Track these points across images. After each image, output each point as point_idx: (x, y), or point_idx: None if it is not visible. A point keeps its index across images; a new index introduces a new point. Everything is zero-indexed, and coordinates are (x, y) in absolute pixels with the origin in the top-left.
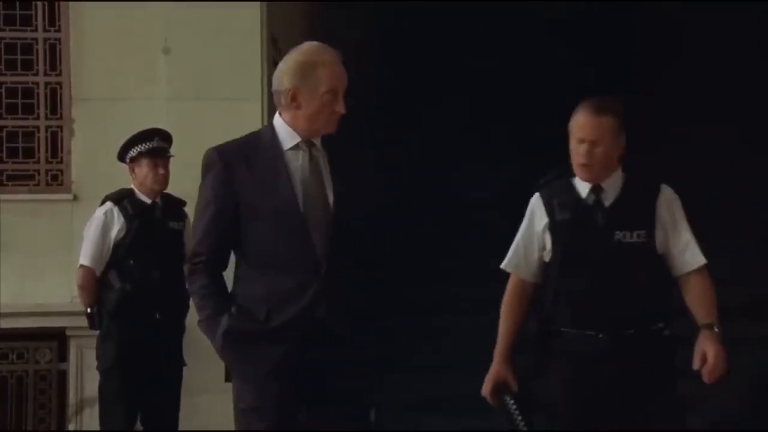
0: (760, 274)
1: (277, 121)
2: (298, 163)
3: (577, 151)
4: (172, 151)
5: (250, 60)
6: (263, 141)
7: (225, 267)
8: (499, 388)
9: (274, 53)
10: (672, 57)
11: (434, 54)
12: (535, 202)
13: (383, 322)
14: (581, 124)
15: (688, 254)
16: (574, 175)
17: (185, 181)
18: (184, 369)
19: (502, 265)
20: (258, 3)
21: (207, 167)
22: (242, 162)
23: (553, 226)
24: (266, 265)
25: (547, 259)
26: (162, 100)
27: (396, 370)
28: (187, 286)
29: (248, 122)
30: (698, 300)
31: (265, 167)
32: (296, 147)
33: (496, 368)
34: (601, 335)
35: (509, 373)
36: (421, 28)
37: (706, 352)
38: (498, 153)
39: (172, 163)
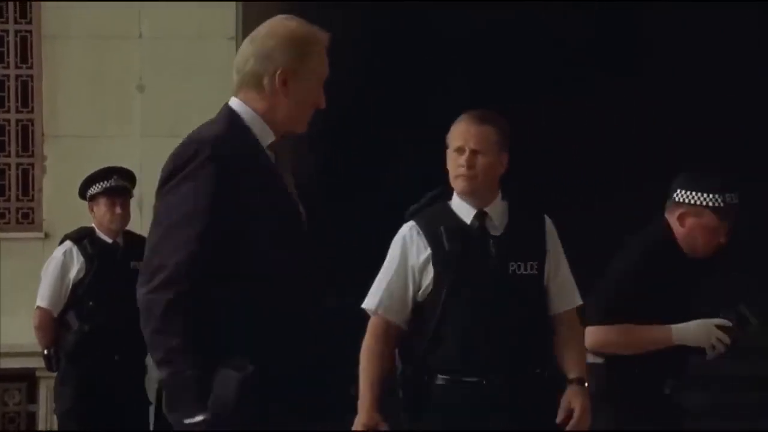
0: None
1: (246, 112)
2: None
3: (457, 162)
4: (146, 188)
5: (224, 97)
6: (250, 136)
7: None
8: None
9: None
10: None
11: (422, 56)
12: (409, 232)
13: None
14: (461, 131)
15: (565, 292)
16: (449, 200)
17: None
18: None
19: (367, 306)
20: (232, 40)
21: (200, 164)
22: (240, 161)
23: (438, 258)
24: (263, 300)
25: (422, 298)
26: (136, 138)
27: None
28: (152, 325)
29: None
30: (568, 345)
31: (261, 171)
32: (268, 148)
33: (365, 417)
34: (485, 382)
35: (380, 421)
36: (412, 27)
37: (573, 407)
38: None
39: (146, 201)
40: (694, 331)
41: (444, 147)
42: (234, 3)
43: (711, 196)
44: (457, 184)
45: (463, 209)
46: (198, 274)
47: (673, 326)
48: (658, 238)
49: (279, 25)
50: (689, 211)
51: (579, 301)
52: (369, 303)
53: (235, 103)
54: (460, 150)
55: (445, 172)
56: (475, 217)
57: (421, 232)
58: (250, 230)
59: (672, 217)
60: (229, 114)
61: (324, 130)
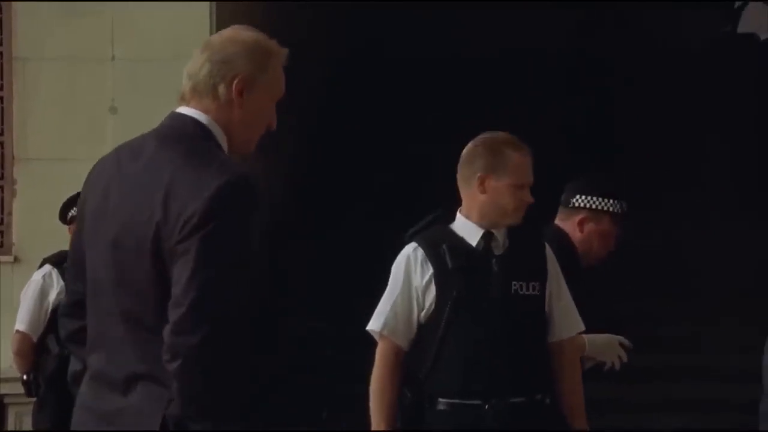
0: None
1: (213, 126)
2: None
3: (521, 197)
4: None
5: None
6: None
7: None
8: None
9: None
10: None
11: (402, 57)
12: (412, 252)
13: None
14: (522, 166)
15: (567, 318)
16: (449, 222)
17: None
18: None
19: (372, 327)
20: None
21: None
22: None
23: (441, 276)
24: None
25: (424, 319)
26: None
27: None
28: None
29: None
30: (571, 381)
31: None
32: None
33: None
34: (487, 406)
35: None
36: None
37: None
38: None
39: None
40: (601, 344)
41: (429, 159)
42: (208, 24)
43: (611, 201)
44: (516, 217)
45: (469, 231)
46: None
47: (586, 336)
48: (560, 244)
49: (239, 33)
50: (588, 216)
51: (582, 327)
52: (374, 325)
53: (198, 115)
54: (520, 186)
55: (421, 184)
56: (482, 237)
57: (424, 252)
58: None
59: (568, 223)
60: (200, 127)
61: (303, 140)
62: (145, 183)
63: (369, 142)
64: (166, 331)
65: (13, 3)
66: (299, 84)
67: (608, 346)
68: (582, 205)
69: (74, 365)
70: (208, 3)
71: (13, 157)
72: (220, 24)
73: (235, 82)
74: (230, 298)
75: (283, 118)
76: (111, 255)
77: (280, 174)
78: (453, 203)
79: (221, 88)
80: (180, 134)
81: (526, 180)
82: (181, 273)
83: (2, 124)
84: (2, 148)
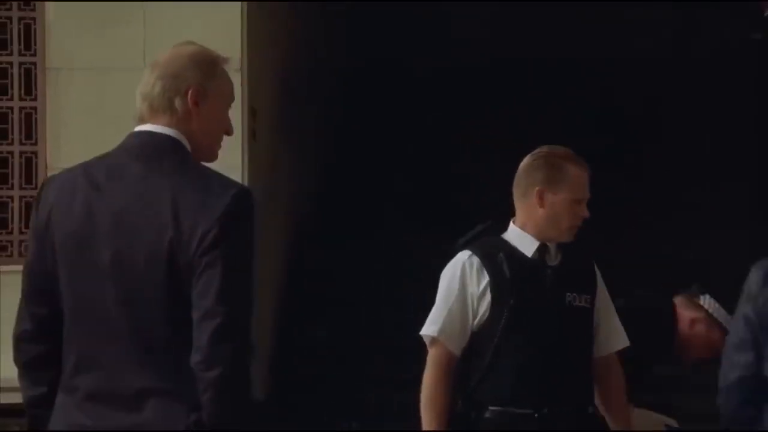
0: None
1: (178, 136)
2: None
3: (578, 212)
4: None
5: None
6: None
7: None
8: None
9: (253, 124)
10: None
11: (418, 56)
12: (467, 260)
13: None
14: (583, 181)
15: (615, 333)
16: (501, 231)
17: None
18: None
19: (428, 332)
20: (237, 75)
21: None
22: None
23: (497, 285)
24: None
25: (476, 328)
26: None
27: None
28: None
29: None
30: (617, 393)
31: None
32: None
33: None
34: (537, 414)
35: None
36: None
37: None
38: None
39: None
40: (647, 425)
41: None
42: (239, 35)
43: (730, 318)
44: (570, 234)
45: (524, 242)
46: None
47: (637, 410)
48: (663, 324)
49: (182, 48)
50: (705, 318)
51: (627, 342)
52: (430, 330)
53: (166, 130)
54: (579, 201)
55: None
56: (538, 249)
57: (479, 260)
58: None
59: (684, 311)
60: (173, 142)
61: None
62: (144, 201)
63: (385, 147)
64: (203, 341)
65: (45, 14)
66: (320, 87)
67: (653, 427)
68: (706, 305)
69: (34, 389)
70: (239, 12)
71: (45, 167)
72: (251, 34)
73: (189, 92)
74: (249, 303)
75: (305, 123)
76: (111, 274)
77: (303, 181)
78: (452, 203)
79: (177, 101)
80: (160, 151)
81: (583, 195)
82: (208, 285)
83: (35, 134)
84: (35, 158)
